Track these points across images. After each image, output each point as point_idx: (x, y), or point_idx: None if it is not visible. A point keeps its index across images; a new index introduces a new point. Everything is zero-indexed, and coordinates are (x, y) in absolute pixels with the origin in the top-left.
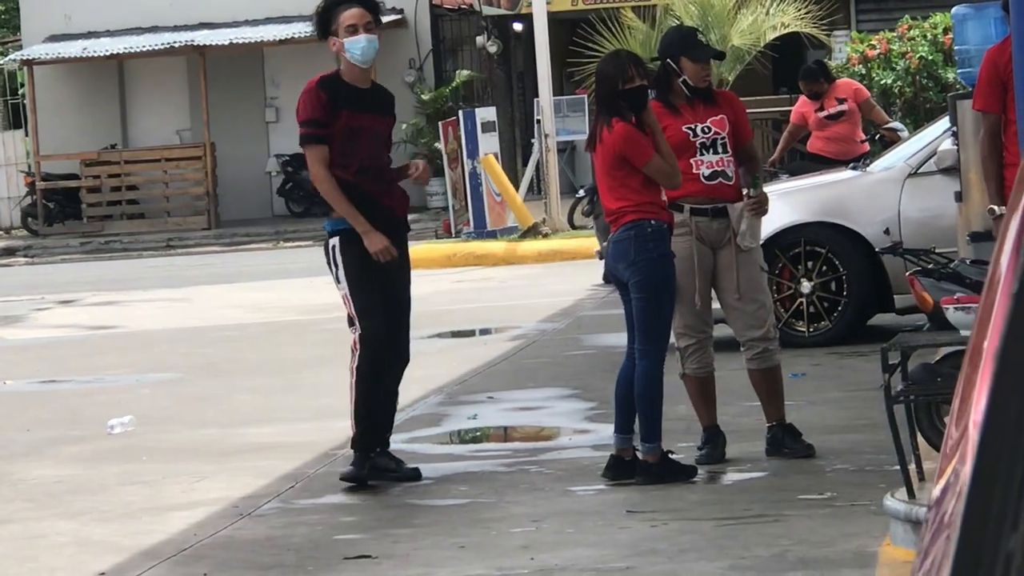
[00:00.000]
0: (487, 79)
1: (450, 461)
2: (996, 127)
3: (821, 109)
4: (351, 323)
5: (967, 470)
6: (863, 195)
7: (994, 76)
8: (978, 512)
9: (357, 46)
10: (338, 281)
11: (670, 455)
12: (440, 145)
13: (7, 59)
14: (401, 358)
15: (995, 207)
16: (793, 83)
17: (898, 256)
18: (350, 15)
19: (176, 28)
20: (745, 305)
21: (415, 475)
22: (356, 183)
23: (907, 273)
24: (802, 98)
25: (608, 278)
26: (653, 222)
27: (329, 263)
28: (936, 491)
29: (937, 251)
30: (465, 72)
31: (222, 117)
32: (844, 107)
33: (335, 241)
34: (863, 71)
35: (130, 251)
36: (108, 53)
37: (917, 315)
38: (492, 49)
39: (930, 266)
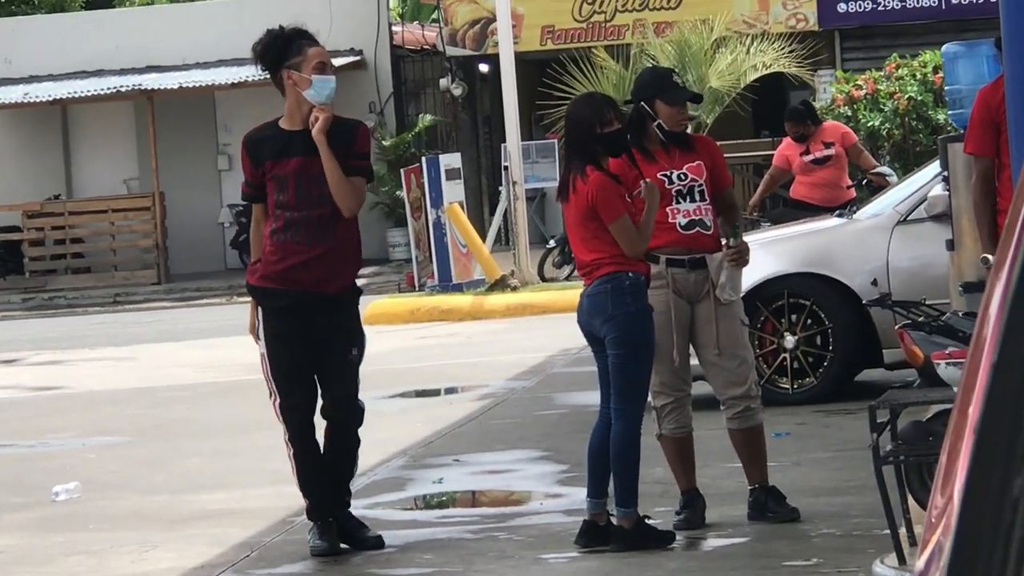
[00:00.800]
0: (452, 123)
1: (414, 528)
2: (989, 171)
3: (807, 153)
4: (270, 392)
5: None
6: (850, 244)
7: (986, 117)
8: None
9: (327, 85)
10: (258, 338)
11: (647, 520)
12: (402, 193)
13: None
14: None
15: (988, 256)
16: (775, 126)
17: (887, 308)
18: (320, 52)
19: (123, 71)
20: (725, 361)
21: (378, 543)
22: (278, 250)
23: (896, 326)
24: (786, 140)
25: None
26: (631, 274)
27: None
28: (920, 563)
29: (928, 303)
30: (428, 116)
31: (172, 165)
32: (831, 151)
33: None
34: (849, 112)
35: (75, 307)
36: (51, 98)
37: (907, 370)
38: (457, 92)
39: (920, 319)
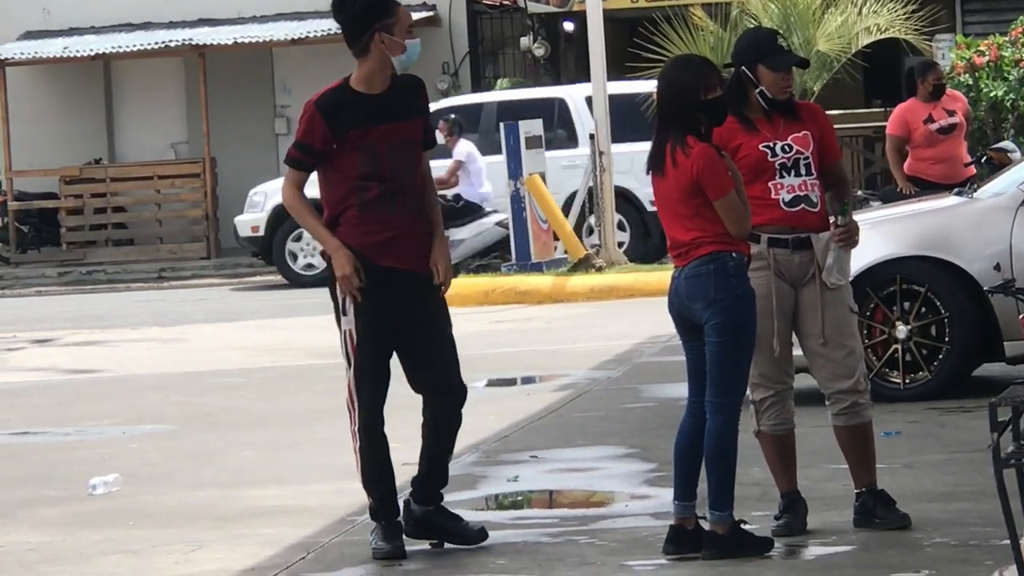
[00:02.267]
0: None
1: (489, 529)
2: None
3: (930, 120)
4: (346, 357)
5: None
6: (969, 225)
7: None
8: None
9: (416, 50)
10: (344, 313)
11: (742, 525)
12: None
13: None
14: (448, 395)
15: None
16: (888, 94)
17: (1010, 295)
18: (408, 13)
19: (172, 25)
20: (831, 352)
21: (481, 535)
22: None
23: (1020, 316)
24: (905, 106)
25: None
26: (735, 255)
27: (333, 294)
28: None
29: None
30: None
31: (224, 128)
32: (956, 119)
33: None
34: (970, 81)
35: (116, 283)
36: (93, 53)
37: None
38: (538, 52)
39: None
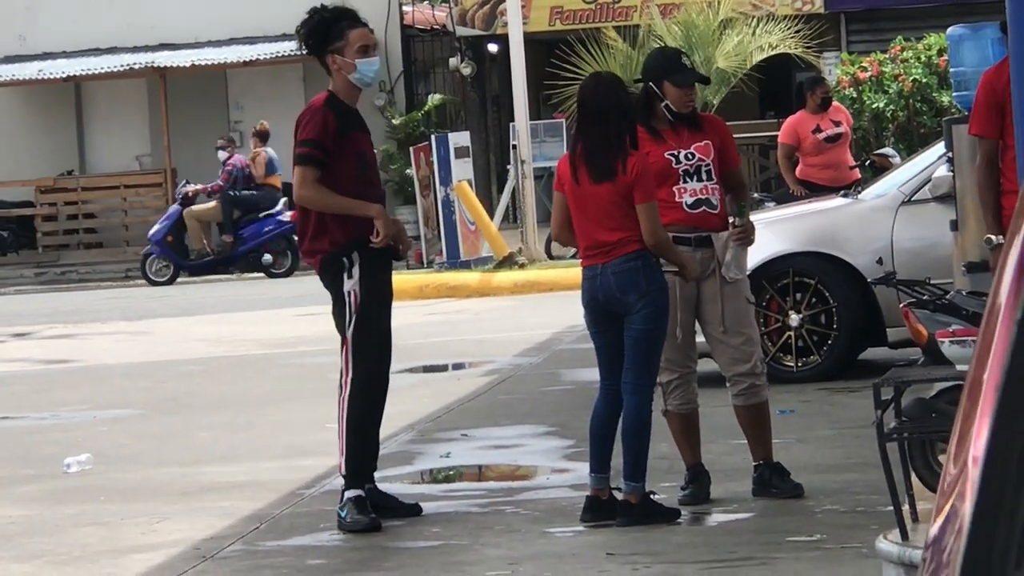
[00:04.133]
0: (461, 103)
1: (423, 501)
2: (993, 153)
3: (818, 131)
4: (346, 331)
5: (967, 507)
6: (854, 224)
7: (991, 100)
8: (980, 550)
9: (372, 68)
10: (350, 276)
11: (652, 496)
12: (412, 172)
13: None
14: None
15: (992, 236)
16: (781, 107)
17: (891, 287)
18: (362, 35)
19: (136, 49)
20: (731, 339)
21: (416, 509)
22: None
23: (901, 305)
24: (795, 117)
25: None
26: (651, 254)
27: (337, 276)
28: (934, 530)
29: (932, 282)
30: (438, 96)
31: (184, 142)
32: (841, 129)
33: (356, 255)
34: (854, 94)
35: (87, 282)
36: (64, 75)
37: (911, 349)
38: (466, 71)
39: (924, 297)
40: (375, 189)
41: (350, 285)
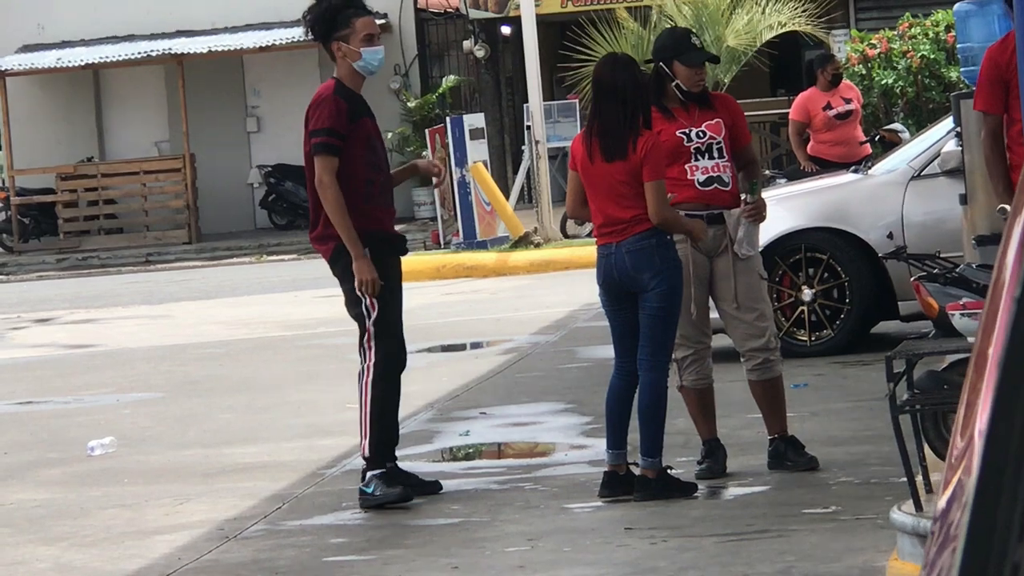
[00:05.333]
0: (475, 84)
1: (442, 479)
2: (998, 128)
3: (828, 107)
4: (363, 319)
5: (972, 481)
6: (865, 199)
7: (995, 75)
8: (983, 524)
9: (376, 56)
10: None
11: (669, 470)
12: (427, 153)
13: None
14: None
15: (1006, 206)
16: (792, 84)
17: (902, 261)
18: (367, 23)
19: (153, 36)
20: (744, 314)
21: (436, 486)
22: (372, 208)
23: (912, 279)
24: (806, 94)
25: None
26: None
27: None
28: (942, 503)
29: (942, 256)
30: (452, 78)
31: (202, 127)
32: (852, 106)
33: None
34: (863, 71)
35: (108, 267)
36: (83, 63)
37: (922, 322)
38: (479, 53)
39: (935, 271)
40: (382, 172)
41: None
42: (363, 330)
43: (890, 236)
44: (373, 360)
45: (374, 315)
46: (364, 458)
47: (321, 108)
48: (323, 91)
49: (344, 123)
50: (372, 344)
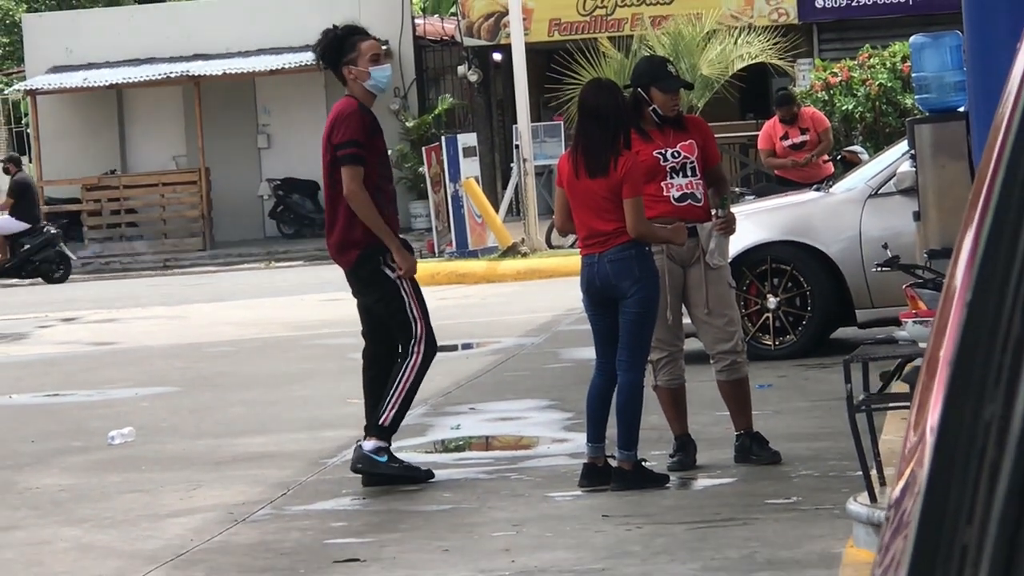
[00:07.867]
0: (468, 106)
1: (435, 469)
2: None
3: (785, 137)
4: (407, 325)
5: (924, 472)
6: (826, 215)
7: None
8: (934, 510)
9: (384, 74)
10: (392, 271)
11: (644, 463)
12: (424, 169)
13: (12, 89)
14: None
15: None
16: (759, 110)
17: (896, 270)
18: (372, 45)
19: (172, 59)
20: (714, 320)
21: (428, 474)
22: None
23: (904, 286)
24: (770, 123)
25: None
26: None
27: (376, 270)
28: (896, 492)
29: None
30: (447, 100)
31: (216, 143)
32: (806, 137)
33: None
34: (826, 97)
35: (129, 271)
36: (107, 83)
37: (878, 328)
38: (473, 78)
39: (924, 278)
40: (391, 184)
41: (396, 273)
42: (409, 336)
43: (885, 246)
44: (423, 347)
45: (418, 304)
46: (381, 426)
47: (348, 121)
48: (346, 107)
49: (367, 136)
50: (424, 332)
